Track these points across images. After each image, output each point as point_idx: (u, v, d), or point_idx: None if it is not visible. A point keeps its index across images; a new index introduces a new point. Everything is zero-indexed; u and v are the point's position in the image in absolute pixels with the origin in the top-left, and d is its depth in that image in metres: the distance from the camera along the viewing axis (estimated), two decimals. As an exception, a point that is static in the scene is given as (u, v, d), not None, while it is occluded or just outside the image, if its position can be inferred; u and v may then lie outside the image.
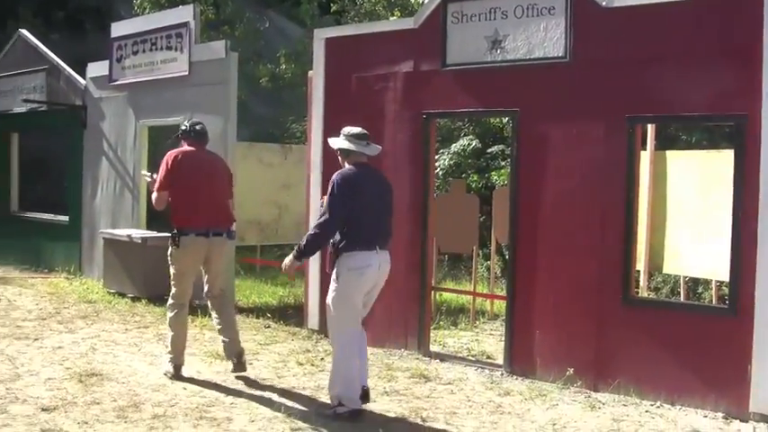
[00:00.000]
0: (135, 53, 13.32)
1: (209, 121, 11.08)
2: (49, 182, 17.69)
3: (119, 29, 13.86)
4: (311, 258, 8.70)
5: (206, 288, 8.36)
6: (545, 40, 8.33)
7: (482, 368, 8.84)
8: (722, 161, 8.11)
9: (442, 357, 9.25)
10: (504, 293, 12.16)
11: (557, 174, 8.33)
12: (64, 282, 13.96)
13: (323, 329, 9.20)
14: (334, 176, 6.84)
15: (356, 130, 7.01)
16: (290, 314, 11.20)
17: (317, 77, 10.25)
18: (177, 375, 8.07)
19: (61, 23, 26.53)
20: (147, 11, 19.24)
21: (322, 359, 8.94)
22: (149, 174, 8.69)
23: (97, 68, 14.42)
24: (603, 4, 7.98)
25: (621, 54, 7.92)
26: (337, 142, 7.06)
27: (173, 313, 8.18)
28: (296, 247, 6.89)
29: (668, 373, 7.56)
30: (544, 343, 8.37)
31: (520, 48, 8.51)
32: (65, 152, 15.67)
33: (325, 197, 6.88)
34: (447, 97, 9.12)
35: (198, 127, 8.29)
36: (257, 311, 11.56)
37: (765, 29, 7.03)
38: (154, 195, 8.19)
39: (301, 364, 8.76)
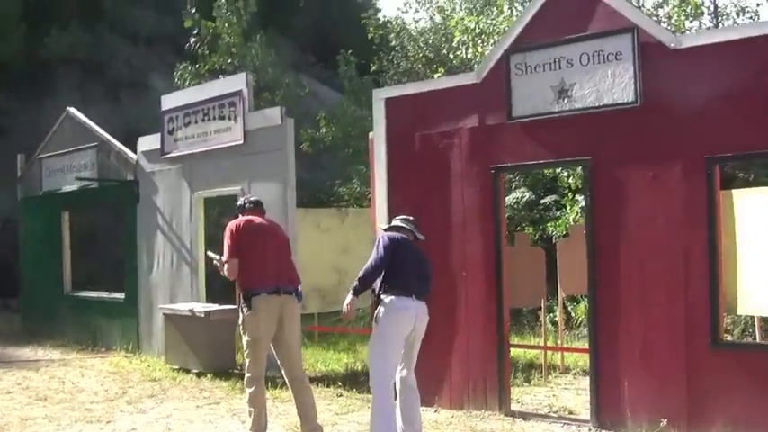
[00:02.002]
0: (187, 125, 13.28)
1: (268, 188, 11.11)
2: (102, 259, 17.67)
3: (169, 101, 13.85)
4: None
5: (283, 370, 8.20)
6: (613, 86, 8.22)
7: (568, 424, 8.64)
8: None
9: (525, 416, 9.03)
10: (573, 345, 12.08)
11: (634, 220, 8.18)
12: (124, 360, 13.80)
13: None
14: (379, 235, 7.82)
15: (408, 217, 7.99)
16: (363, 381, 11.00)
17: (378, 138, 10.15)
18: None
19: (98, 98, 26.73)
20: (187, 82, 19.29)
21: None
22: (218, 257, 8.62)
23: (148, 142, 14.41)
24: (672, 45, 7.88)
25: (695, 95, 7.82)
26: (392, 224, 8.03)
27: (251, 389, 7.98)
28: (351, 288, 7.45)
29: (766, 418, 7.32)
30: (633, 393, 8.13)
31: (588, 95, 8.40)
32: (118, 228, 15.62)
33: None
34: (515, 150, 9.00)
35: (252, 199, 8.65)
36: (326, 380, 11.34)
37: None
38: (226, 267, 8.11)
39: (385, 433, 8.53)
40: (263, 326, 7.94)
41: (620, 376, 8.22)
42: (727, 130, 7.63)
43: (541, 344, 12.36)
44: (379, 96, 10.22)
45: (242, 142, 12.18)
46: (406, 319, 7.39)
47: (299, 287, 8.28)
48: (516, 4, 16.12)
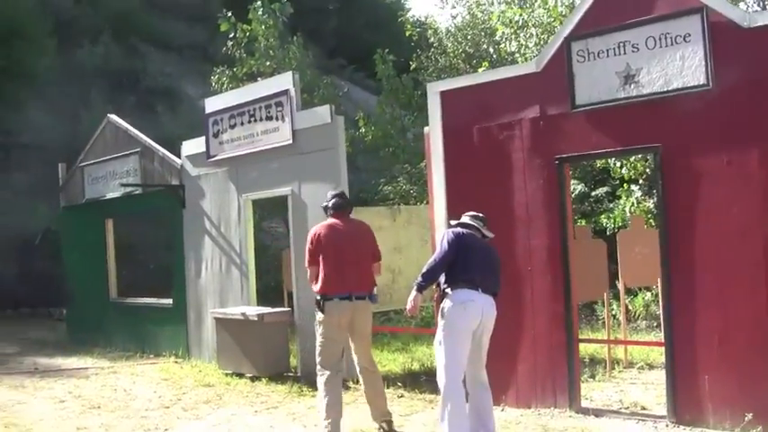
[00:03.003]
0: (232, 126, 13.09)
1: (319, 188, 11.00)
2: (148, 265, 17.56)
3: (213, 104, 13.70)
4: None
5: (356, 358, 8.53)
6: (683, 69, 7.93)
7: (643, 420, 8.37)
8: None
9: (597, 413, 8.76)
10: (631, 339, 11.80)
11: (709, 208, 7.88)
12: (174, 366, 13.66)
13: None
14: (445, 231, 7.83)
15: (477, 213, 7.87)
16: (425, 380, 10.79)
17: (434, 133, 9.91)
18: None
19: (131, 108, 26.74)
20: (224, 86, 19.13)
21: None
22: None
23: (192, 146, 14.26)
24: (744, 24, 7.59)
25: (771, 74, 7.51)
26: (460, 220, 7.89)
27: (323, 377, 8.21)
28: (415, 284, 7.40)
29: None
30: (713, 388, 7.82)
31: (656, 80, 8.12)
32: (164, 234, 15.49)
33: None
34: (580, 139, 8.74)
35: (334, 201, 8.76)
36: (384, 381, 11.00)
37: None
38: (308, 272, 8.64)
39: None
40: (335, 328, 8.32)
41: (699, 370, 7.92)
42: (807, 111, 7.34)
43: (602, 337, 12.10)
44: (435, 90, 9.97)
45: (291, 142, 11.97)
46: (472, 312, 7.27)
47: (374, 290, 8.56)
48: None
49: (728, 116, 7.75)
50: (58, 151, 21.11)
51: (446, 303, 7.32)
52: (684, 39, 7.91)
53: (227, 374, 12.30)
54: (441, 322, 7.35)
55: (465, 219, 7.78)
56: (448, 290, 7.35)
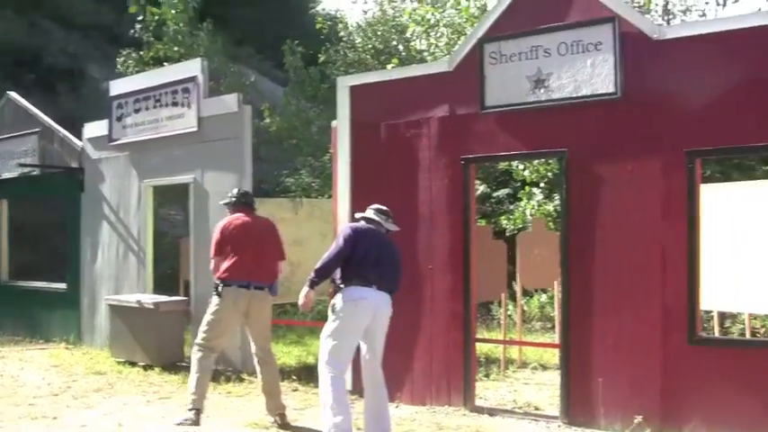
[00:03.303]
0: (137, 111, 12.86)
1: (222, 177, 10.91)
2: (43, 248, 17.13)
3: (118, 87, 13.45)
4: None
5: (253, 348, 8.62)
6: (593, 76, 8.04)
7: (536, 420, 8.48)
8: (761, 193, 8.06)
9: (491, 412, 8.83)
10: (525, 339, 11.96)
11: (611, 214, 8.02)
12: (65, 352, 13.31)
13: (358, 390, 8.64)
14: (343, 226, 7.99)
15: (381, 207, 7.78)
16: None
17: (341, 127, 9.90)
18: (197, 421, 8.09)
19: (32, 86, 26.02)
20: (130, 70, 18.82)
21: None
22: None
23: (95, 129, 13.97)
24: (654, 36, 7.74)
25: (676, 87, 7.69)
26: (364, 214, 7.80)
27: (199, 355, 8.34)
28: (308, 279, 7.34)
29: (743, 415, 7.21)
30: (606, 390, 7.95)
31: (565, 86, 8.22)
32: (61, 217, 15.16)
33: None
34: (487, 141, 8.81)
35: (240, 198, 8.93)
36: (280, 374, 10.99)
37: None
38: (212, 262, 8.66)
39: (352, 430, 8.29)
40: (228, 313, 8.40)
41: (593, 372, 8.05)
42: (708, 124, 7.51)
43: (497, 337, 12.21)
44: (344, 84, 9.97)
45: (196, 129, 11.83)
46: (363, 310, 7.23)
47: (276, 282, 8.67)
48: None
49: (634, 125, 7.88)
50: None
51: (337, 299, 7.27)
52: (596, 47, 8.02)
53: (119, 362, 12.05)
54: (331, 317, 7.31)
55: (369, 212, 7.72)
56: (341, 285, 7.30)
